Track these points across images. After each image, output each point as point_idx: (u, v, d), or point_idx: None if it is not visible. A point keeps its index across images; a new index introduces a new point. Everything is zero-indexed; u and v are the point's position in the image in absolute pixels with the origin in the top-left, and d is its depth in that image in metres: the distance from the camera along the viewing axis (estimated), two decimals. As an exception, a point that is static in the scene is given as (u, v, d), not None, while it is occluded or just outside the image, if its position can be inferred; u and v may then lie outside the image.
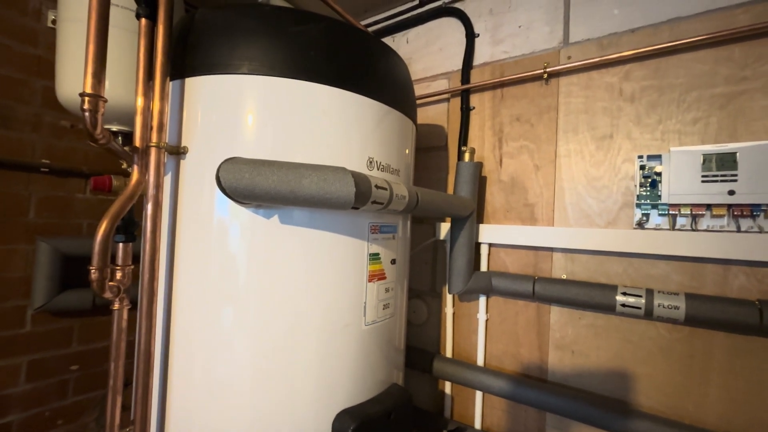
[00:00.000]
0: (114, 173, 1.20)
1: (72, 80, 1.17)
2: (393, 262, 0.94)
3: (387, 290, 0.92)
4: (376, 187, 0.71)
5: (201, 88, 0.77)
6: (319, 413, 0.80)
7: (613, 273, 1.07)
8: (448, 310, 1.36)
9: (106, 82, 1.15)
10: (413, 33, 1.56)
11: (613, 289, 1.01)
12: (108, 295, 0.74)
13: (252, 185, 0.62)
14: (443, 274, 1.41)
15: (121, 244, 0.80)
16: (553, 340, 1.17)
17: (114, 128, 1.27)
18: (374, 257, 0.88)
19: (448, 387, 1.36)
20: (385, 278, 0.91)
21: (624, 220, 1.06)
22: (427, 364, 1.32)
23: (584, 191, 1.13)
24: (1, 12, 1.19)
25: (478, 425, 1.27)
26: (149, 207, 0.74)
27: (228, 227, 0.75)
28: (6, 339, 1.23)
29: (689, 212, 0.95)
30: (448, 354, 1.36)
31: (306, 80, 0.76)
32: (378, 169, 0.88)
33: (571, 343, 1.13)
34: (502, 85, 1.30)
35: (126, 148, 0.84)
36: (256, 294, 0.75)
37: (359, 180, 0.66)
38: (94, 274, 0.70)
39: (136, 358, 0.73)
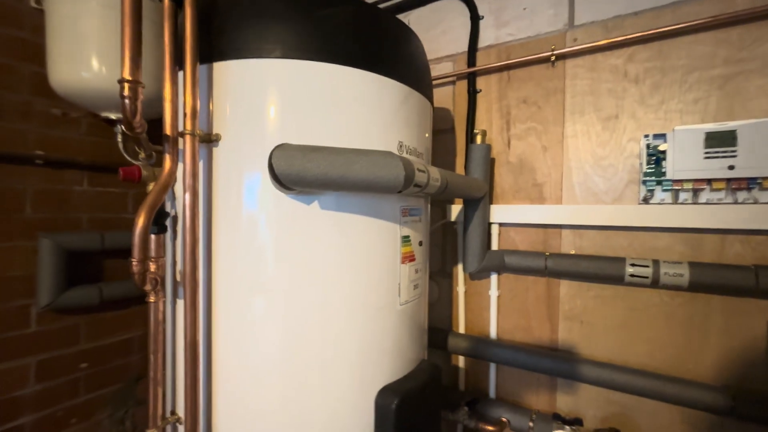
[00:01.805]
0: (117, 164, 1.15)
1: (65, 65, 1.11)
2: (420, 243, 0.97)
3: (416, 271, 0.95)
4: (418, 170, 0.72)
5: (231, 72, 0.75)
6: (362, 390, 0.82)
7: (619, 246, 1.15)
8: (460, 288, 1.41)
9: (64, 64, 1.09)
10: (415, 15, 1.55)
11: (622, 261, 1.08)
12: (148, 287, 0.73)
13: (303, 171, 0.62)
14: (453, 254, 1.46)
15: (153, 236, 0.79)
16: (562, 311, 1.24)
17: (112, 116, 1.22)
18: (405, 239, 0.90)
19: (461, 361, 1.42)
20: (414, 259, 0.94)
21: (630, 197, 1.13)
22: (442, 341, 1.37)
23: (591, 170, 1.19)
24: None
25: (492, 395, 1.34)
26: (187, 197, 0.73)
27: (267, 214, 0.75)
28: (12, 340, 1.18)
29: (691, 187, 1.03)
30: (461, 330, 1.41)
31: (338, 63, 0.76)
32: (407, 153, 0.89)
33: (580, 314, 1.21)
34: (509, 67, 1.33)
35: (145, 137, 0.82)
36: (297, 279, 0.76)
37: (406, 163, 0.67)
38: (136, 267, 0.69)
39: (175, 350, 0.73)
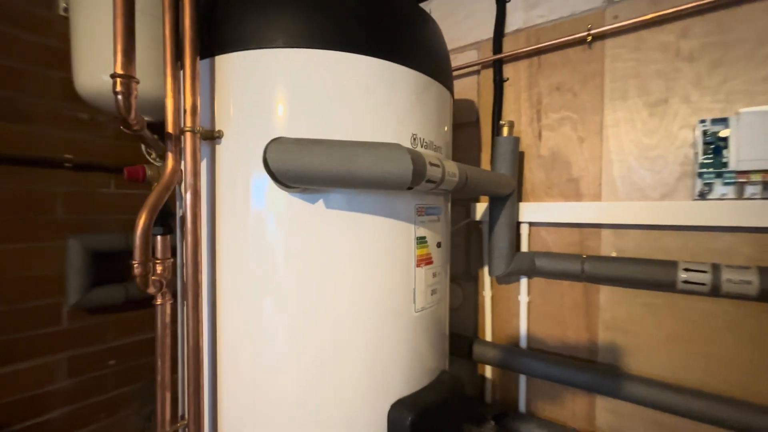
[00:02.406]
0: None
1: (88, 69, 1.12)
2: (439, 245, 0.89)
3: (434, 275, 0.88)
4: (430, 164, 0.65)
5: (233, 65, 0.71)
6: (372, 404, 0.76)
7: (670, 248, 1.01)
8: (486, 293, 1.31)
9: (95, 63, 1.10)
10: (436, 1, 1.46)
11: (673, 265, 0.94)
12: (151, 290, 0.71)
13: (302, 167, 0.57)
14: (478, 256, 1.36)
15: (159, 237, 0.76)
16: (602, 320, 1.11)
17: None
18: (421, 240, 0.83)
19: (488, 371, 1.32)
20: (432, 263, 0.86)
21: (682, 192, 0.99)
22: (466, 349, 1.28)
23: (636, 162, 1.05)
24: (9, 1, 1.14)
25: (522, 409, 1.24)
26: (188, 196, 0.70)
27: (270, 214, 0.70)
28: (45, 336, 1.23)
29: (760, 179, 0.87)
30: (488, 338, 1.32)
31: (346, 51, 0.70)
32: (422, 147, 0.82)
33: (624, 323, 1.08)
34: (539, 52, 1.21)
35: (155, 136, 0.80)
36: (302, 282, 0.71)
37: (415, 157, 0.60)
38: (137, 269, 0.66)
39: (184, 353, 0.71)
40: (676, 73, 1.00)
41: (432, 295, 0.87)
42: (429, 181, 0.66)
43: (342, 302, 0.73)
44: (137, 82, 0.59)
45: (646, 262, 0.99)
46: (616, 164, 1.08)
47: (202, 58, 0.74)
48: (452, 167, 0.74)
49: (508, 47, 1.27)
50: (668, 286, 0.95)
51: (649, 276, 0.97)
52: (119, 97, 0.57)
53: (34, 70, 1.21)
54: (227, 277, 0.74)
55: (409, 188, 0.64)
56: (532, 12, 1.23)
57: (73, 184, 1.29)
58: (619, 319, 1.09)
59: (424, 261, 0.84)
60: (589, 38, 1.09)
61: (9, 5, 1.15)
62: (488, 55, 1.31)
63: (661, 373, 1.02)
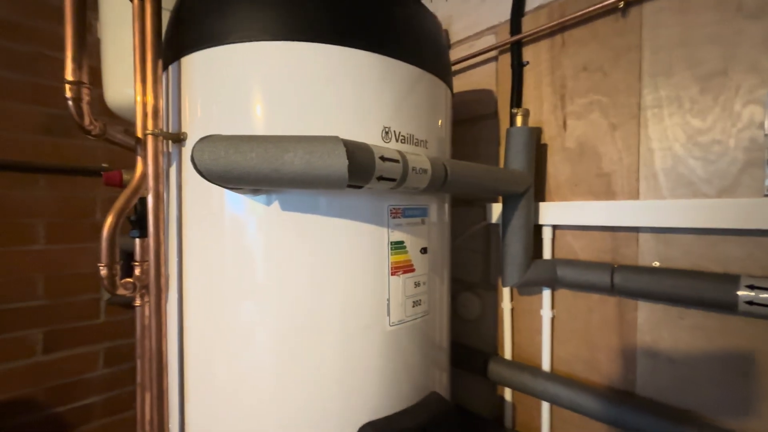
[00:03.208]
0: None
1: (113, 83, 1.22)
2: (424, 251, 0.80)
3: (417, 284, 0.78)
4: (383, 158, 0.57)
5: (194, 66, 0.70)
6: (344, 424, 0.70)
7: (731, 258, 0.79)
8: (506, 304, 1.17)
9: (120, 80, 1.18)
10: (453, -13, 1.35)
11: (734, 280, 0.73)
12: (121, 291, 0.72)
13: (229, 165, 0.53)
14: (498, 262, 1.22)
15: (137, 240, 0.78)
16: (641, 344, 0.91)
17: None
18: (397, 246, 0.74)
19: (508, 392, 1.17)
20: (413, 270, 0.77)
21: (748, 186, 0.77)
22: (482, 367, 1.15)
23: (683, 151, 0.85)
24: (52, 29, 1.29)
25: (545, 441, 1.07)
26: (150, 199, 0.70)
27: (226, 217, 0.68)
28: (85, 329, 1.36)
29: None
30: (507, 355, 1.17)
31: (298, 41, 0.65)
32: (397, 141, 0.73)
33: (669, 349, 0.87)
34: (563, 28, 1.05)
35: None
36: (261, 291, 0.67)
37: (355, 150, 0.53)
38: (103, 271, 0.68)
39: (144, 358, 0.71)
40: (737, 36, 0.79)
41: (414, 306, 0.78)
42: (382, 178, 0.58)
43: (301, 314, 0.67)
44: (89, 88, 0.60)
45: (695, 276, 0.79)
46: (657, 153, 0.89)
47: (171, 62, 0.74)
48: (422, 162, 0.65)
49: (528, 27, 1.12)
50: (727, 306, 0.74)
51: (700, 293, 0.77)
52: (70, 102, 0.58)
53: (78, 89, 1.36)
54: (192, 280, 0.73)
55: (357, 186, 0.57)
56: (556, -17, 1.07)
57: (110, 190, 1.41)
58: (662, 343, 0.88)
59: (402, 269, 0.75)
60: (622, 4, 0.91)
61: (56, 33, 1.30)
62: (506, 38, 1.17)
63: (722, 414, 0.81)
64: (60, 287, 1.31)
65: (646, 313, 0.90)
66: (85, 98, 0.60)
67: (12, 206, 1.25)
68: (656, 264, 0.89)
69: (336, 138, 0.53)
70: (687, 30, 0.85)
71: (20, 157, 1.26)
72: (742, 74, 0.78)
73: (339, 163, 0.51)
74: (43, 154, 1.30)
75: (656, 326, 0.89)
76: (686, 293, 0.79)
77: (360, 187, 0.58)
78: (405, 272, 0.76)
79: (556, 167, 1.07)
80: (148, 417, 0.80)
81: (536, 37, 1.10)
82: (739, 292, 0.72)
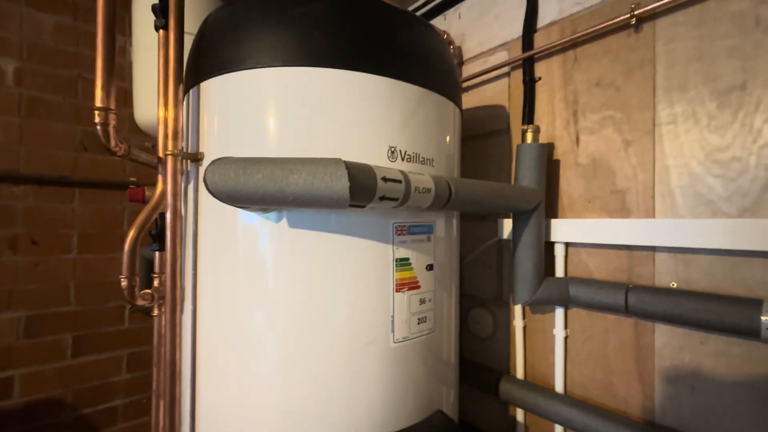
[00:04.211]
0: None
1: (142, 103, 1.31)
2: (429, 267, 0.80)
3: (422, 301, 0.79)
4: (385, 179, 0.59)
5: (212, 90, 0.75)
6: (345, 439, 0.70)
7: (755, 281, 0.75)
8: (518, 322, 1.14)
9: (148, 100, 1.26)
10: (465, 6, 1.37)
11: (756, 305, 0.70)
12: (140, 302, 0.76)
13: (237, 186, 0.56)
14: (511, 279, 1.20)
15: (156, 253, 0.83)
16: (660, 369, 0.87)
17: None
18: (403, 263, 0.75)
19: (520, 413, 1.14)
20: (418, 287, 0.78)
21: (771, 205, 0.74)
22: (493, 385, 1.13)
23: (701, 168, 0.82)
24: (91, 54, 1.40)
25: (560, 466, 1.03)
26: (168, 216, 0.74)
27: (238, 233, 0.71)
28: (111, 334, 1.44)
29: None
30: (519, 374, 1.14)
31: (307, 66, 0.68)
32: (403, 160, 0.75)
33: (690, 376, 0.83)
34: (575, 44, 1.04)
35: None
36: (269, 304, 0.69)
37: (357, 172, 0.55)
38: (123, 282, 0.72)
39: (160, 366, 0.74)
40: (756, 49, 0.76)
41: (419, 324, 0.78)
42: (385, 198, 0.60)
43: (306, 330, 0.69)
44: (115, 114, 0.65)
45: (715, 299, 0.75)
46: (674, 170, 0.86)
47: (192, 86, 0.79)
48: (425, 182, 0.66)
49: (540, 43, 1.12)
50: (749, 332, 0.70)
51: (718, 318, 0.73)
52: (98, 127, 0.63)
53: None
54: (205, 294, 0.76)
55: (358, 206, 0.59)
56: (567, 0, 1.07)
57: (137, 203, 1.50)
58: (683, 369, 0.84)
59: (408, 285, 0.76)
60: (633, 20, 0.90)
61: (91, 56, 1.40)
62: (518, 54, 1.17)
63: (749, 450, 0.76)
64: (89, 294, 1.39)
65: (666, 336, 0.87)
66: (111, 123, 0.66)
67: (51, 218, 1.35)
68: (673, 285, 0.85)
69: (338, 160, 0.55)
70: (703, 43, 0.83)
71: (60, 172, 1.36)
72: (762, 88, 0.75)
73: (341, 185, 0.53)
74: (79, 169, 1.40)
75: (677, 351, 0.85)
76: (706, 317, 0.75)
77: (362, 207, 0.59)
78: (410, 289, 0.76)
79: (569, 183, 1.05)
80: (161, 423, 0.83)
81: (548, 53, 1.10)
82: (764, 318, 0.68)
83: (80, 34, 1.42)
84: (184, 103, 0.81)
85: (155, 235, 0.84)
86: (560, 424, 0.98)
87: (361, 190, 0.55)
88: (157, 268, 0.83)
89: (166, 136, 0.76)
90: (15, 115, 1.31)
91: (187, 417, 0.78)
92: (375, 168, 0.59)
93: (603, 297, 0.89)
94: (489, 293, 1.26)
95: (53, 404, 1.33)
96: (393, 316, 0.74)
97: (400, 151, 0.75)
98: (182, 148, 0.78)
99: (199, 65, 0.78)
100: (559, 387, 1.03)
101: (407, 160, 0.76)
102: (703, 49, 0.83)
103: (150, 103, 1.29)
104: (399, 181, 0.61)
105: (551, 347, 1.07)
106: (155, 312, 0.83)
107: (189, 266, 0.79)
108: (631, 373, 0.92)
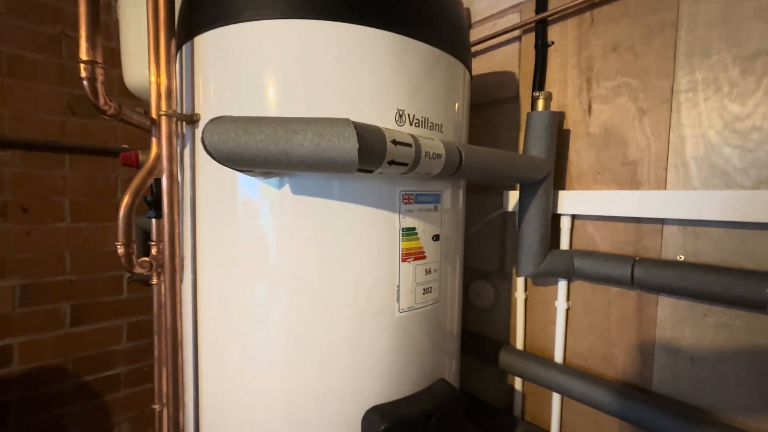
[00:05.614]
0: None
1: (131, 64, 1.23)
2: (436, 238, 0.78)
3: (428, 272, 0.77)
4: (395, 142, 0.55)
5: (207, 45, 0.70)
6: (349, 406, 0.71)
7: (764, 254, 0.74)
8: (519, 295, 1.15)
9: (137, 60, 1.19)
10: (476, -38, 1.28)
11: (765, 277, 0.69)
12: (138, 270, 0.74)
13: (238, 147, 0.52)
14: (514, 251, 1.19)
15: (153, 220, 0.80)
16: (661, 340, 0.88)
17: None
18: (409, 232, 0.73)
19: (518, 382, 1.17)
20: (424, 257, 0.76)
21: (788, 177, 0.72)
22: (493, 356, 1.14)
23: (718, 138, 0.79)
24: (75, 10, 1.30)
25: (555, 431, 1.06)
26: (164, 181, 0.71)
27: (238, 199, 0.68)
28: (109, 304, 1.43)
29: None
30: (519, 345, 1.15)
31: (312, 19, 0.63)
32: (411, 124, 0.71)
33: (690, 348, 0.84)
34: (592, 5, 0.98)
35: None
36: (271, 272, 0.68)
37: (366, 134, 0.51)
38: (120, 250, 0.70)
39: (161, 334, 0.73)
40: (788, 11, 0.72)
41: (424, 294, 0.77)
42: (394, 162, 0.56)
43: (311, 300, 0.67)
44: (103, 68, 0.60)
45: (723, 271, 0.74)
46: (689, 141, 0.83)
47: (185, 42, 0.74)
48: (436, 147, 0.63)
49: (555, 4, 1.06)
50: (754, 305, 0.70)
51: (725, 290, 0.73)
52: (85, 82, 0.59)
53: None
54: (205, 261, 0.74)
55: (366, 171, 0.56)
56: (587, -44, 1.00)
57: (130, 169, 1.45)
58: (683, 340, 0.85)
59: (413, 255, 0.74)
60: (658, -22, 0.85)
61: (74, 12, 1.31)
62: (531, 16, 1.11)
63: (744, 418, 0.77)
64: (85, 263, 1.37)
65: (668, 309, 0.87)
66: (100, 78, 0.61)
67: (41, 185, 1.30)
68: (681, 258, 0.84)
69: (346, 120, 0.51)
70: (730, 5, 0.78)
71: (47, 137, 1.30)
72: (791, 54, 0.71)
73: (349, 147, 0.50)
74: (68, 134, 1.34)
75: (678, 323, 0.85)
76: (713, 289, 0.75)
77: (370, 172, 0.56)
78: (416, 259, 0.75)
79: (578, 154, 1.02)
80: (164, 390, 0.83)
81: (563, 15, 1.04)
82: (771, 291, 0.68)
83: (61, -13, 1.32)
84: (177, 60, 0.76)
85: (151, 201, 0.81)
86: (558, 392, 1.00)
87: (370, 154, 0.52)
88: (154, 236, 0.81)
89: (158, 95, 0.71)
90: (-4, 75, 1.23)
91: (190, 384, 0.78)
92: (384, 130, 0.55)
93: (609, 269, 0.89)
94: (491, 265, 1.26)
95: (54, 372, 1.34)
96: (398, 286, 0.72)
97: (409, 114, 0.71)
98: (176, 109, 0.74)
99: (192, 18, 0.72)
100: (558, 357, 1.05)
101: (415, 125, 0.72)
102: (729, 11, 0.78)
103: (140, 63, 1.21)
104: (409, 145, 0.58)
105: (552, 319, 1.07)
106: (154, 281, 0.81)
107: (188, 234, 0.76)
108: (631, 344, 0.93)
